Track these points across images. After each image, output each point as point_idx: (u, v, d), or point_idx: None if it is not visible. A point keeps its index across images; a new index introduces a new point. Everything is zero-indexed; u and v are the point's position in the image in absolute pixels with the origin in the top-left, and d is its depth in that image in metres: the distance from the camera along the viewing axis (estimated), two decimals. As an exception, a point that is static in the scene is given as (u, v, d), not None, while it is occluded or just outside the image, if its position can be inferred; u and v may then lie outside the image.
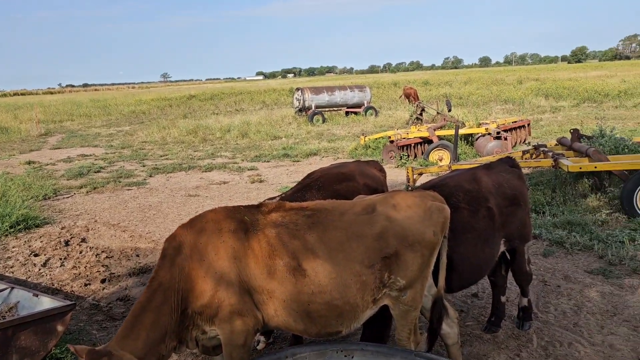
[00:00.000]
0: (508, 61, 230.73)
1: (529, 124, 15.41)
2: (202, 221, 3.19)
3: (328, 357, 3.13)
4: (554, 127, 18.32)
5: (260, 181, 12.34)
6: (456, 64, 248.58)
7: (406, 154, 13.80)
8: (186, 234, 3.16)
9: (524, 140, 15.07)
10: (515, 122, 14.98)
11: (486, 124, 14.45)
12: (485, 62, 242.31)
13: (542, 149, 9.35)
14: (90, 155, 17.98)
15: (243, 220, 3.15)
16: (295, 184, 4.89)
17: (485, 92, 34.66)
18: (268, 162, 15.22)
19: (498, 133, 13.17)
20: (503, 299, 4.76)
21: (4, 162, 17.15)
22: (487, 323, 4.80)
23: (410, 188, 8.60)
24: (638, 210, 7.45)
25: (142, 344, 2.98)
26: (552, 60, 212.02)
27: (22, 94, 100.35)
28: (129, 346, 2.95)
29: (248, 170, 13.96)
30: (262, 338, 4.73)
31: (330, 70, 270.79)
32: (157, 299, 3.05)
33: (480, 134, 13.85)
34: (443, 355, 3.88)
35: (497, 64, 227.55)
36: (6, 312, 4.89)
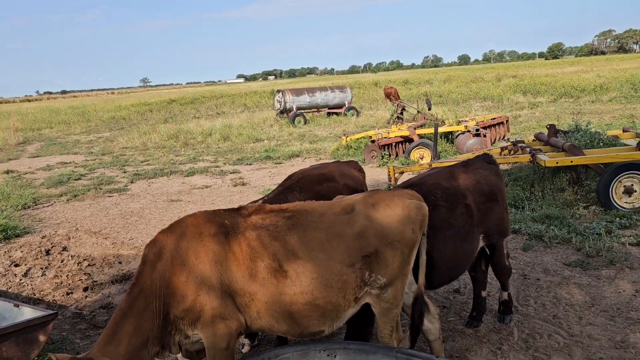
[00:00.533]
0: (487, 59, 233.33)
1: (507, 121, 15.62)
2: (182, 226, 3.20)
3: (311, 357, 3.16)
4: (532, 123, 18.60)
5: (243, 184, 12.32)
6: (436, 62, 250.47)
7: (387, 153, 13.90)
8: (166, 239, 3.17)
9: (503, 137, 15.26)
10: (494, 119, 15.16)
11: (466, 121, 14.62)
12: (464, 60, 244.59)
13: (520, 144, 9.49)
14: (70, 163, 17.78)
15: (223, 224, 3.16)
16: (276, 186, 4.91)
17: (464, 90, 35.00)
18: (250, 164, 15.21)
19: (477, 130, 13.32)
20: (484, 293, 4.84)
21: (-18, 172, 16.88)
22: (469, 318, 4.87)
23: (391, 187, 8.67)
24: (614, 203, 7.62)
25: (124, 351, 2.98)
26: (530, 57, 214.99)
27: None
28: (110, 353, 2.95)
29: (230, 173, 13.94)
30: (246, 341, 4.75)
31: (311, 71, 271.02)
32: (138, 304, 3.06)
33: (460, 132, 14.00)
34: (425, 351, 3.93)
35: (476, 61, 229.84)
36: (-13, 324, 4.85)
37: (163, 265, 3.09)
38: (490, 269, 4.78)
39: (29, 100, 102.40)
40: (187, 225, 3.19)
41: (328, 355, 3.13)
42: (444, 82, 48.16)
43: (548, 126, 9.80)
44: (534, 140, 10.21)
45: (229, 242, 3.10)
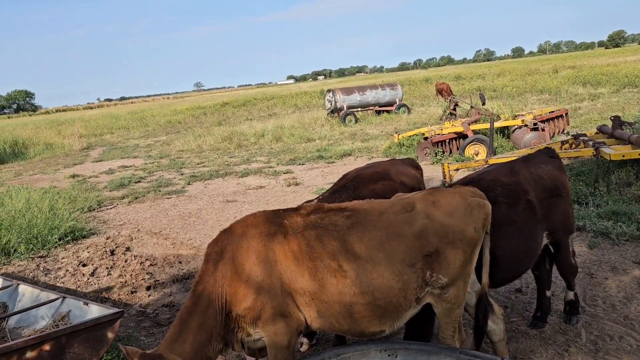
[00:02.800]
0: (542, 50, 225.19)
1: (566, 114, 15.03)
2: (243, 226, 3.25)
3: (372, 357, 3.14)
4: (594, 115, 17.79)
5: (296, 184, 12.42)
6: (488, 56, 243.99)
7: (441, 150, 13.66)
8: (228, 239, 3.22)
9: (563, 130, 14.70)
10: (552, 112, 14.63)
11: (522, 115, 14.15)
12: (518, 52, 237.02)
13: (581, 138, 9.11)
14: (131, 166, 18.46)
15: (283, 224, 3.18)
16: (331, 186, 4.91)
17: (519, 83, 33.92)
18: (303, 164, 15.31)
19: (535, 124, 12.88)
20: (548, 293, 4.66)
21: (50, 176, 17.80)
22: (533, 318, 4.71)
23: (446, 184, 8.51)
24: (687, 197, 7.18)
25: (189, 347, 3.06)
26: (589, 46, 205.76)
27: (64, 110, 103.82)
28: (177, 349, 3.04)
29: (283, 173, 14.08)
30: (305, 340, 4.77)
31: (360, 70, 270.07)
32: (202, 302, 3.13)
33: (516, 126, 13.58)
34: (488, 352, 3.83)
35: (531, 53, 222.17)
36: (59, 321, 5.09)
37: (225, 264, 3.15)
38: (554, 268, 4.61)
39: (91, 108, 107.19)
40: (247, 225, 3.23)
41: (389, 355, 3.10)
42: (497, 76, 46.84)
43: (612, 118, 9.35)
44: (596, 133, 9.77)
45: (289, 242, 3.12)
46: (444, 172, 9.43)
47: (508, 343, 4.18)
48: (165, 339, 3.14)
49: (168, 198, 12.32)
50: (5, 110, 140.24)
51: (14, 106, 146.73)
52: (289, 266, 3.08)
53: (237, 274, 3.11)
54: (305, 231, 3.15)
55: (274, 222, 3.20)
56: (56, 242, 8.70)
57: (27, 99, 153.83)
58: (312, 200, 4.45)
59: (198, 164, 17.52)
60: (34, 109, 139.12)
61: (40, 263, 7.91)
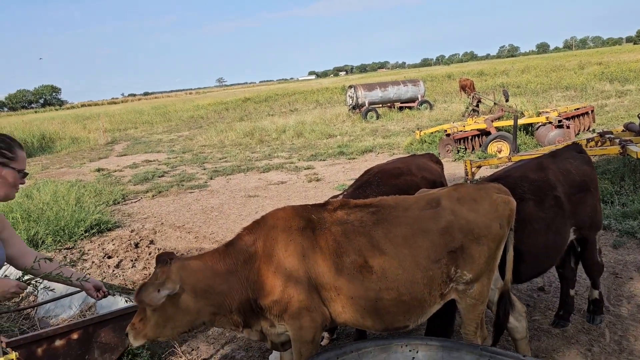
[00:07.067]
0: (568, 46, 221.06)
1: (592, 111, 14.75)
2: (273, 218, 3.25)
3: (393, 352, 3.15)
4: (621, 113, 17.45)
5: (317, 180, 12.46)
6: (512, 52, 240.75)
7: (463, 147, 13.55)
8: (259, 230, 3.22)
9: (588, 128, 14.43)
10: (577, 109, 14.36)
11: (547, 112, 13.94)
12: (543, 48, 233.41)
13: (608, 136, 8.94)
14: (154, 161, 18.72)
15: (311, 219, 3.19)
16: (353, 182, 4.93)
17: (544, 80, 33.40)
18: (324, 160, 15.34)
19: (560, 121, 12.69)
20: (572, 292, 4.61)
21: (76, 170, 18.15)
22: (556, 317, 4.67)
23: (469, 181, 8.45)
24: None
25: (203, 277, 3.07)
26: (616, 42, 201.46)
27: (89, 105, 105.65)
28: (194, 268, 3.09)
29: (305, 169, 14.13)
30: (325, 334, 4.81)
31: (382, 66, 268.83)
32: (231, 261, 3.14)
33: (540, 123, 13.40)
34: (509, 350, 3.81)
35: (557, 49, 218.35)
36: (86, 311, 5.22)
37: (254, 254, 3.15)
38: (579, 267, 4.56)
39: (115, 103, 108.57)
40: (277, 218, 3.24)
41: (410, 351, 3.10)
42: (521, 72, 46.20)
43: (640, 115, 9.17)
44: (623, 131, 9.57)
45: (316, 237, 3.12)
46: (466, 169, 9.35)
47: (530, 341, 4.16)
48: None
49: (191, 192, 12.47)
50: (33, 105, 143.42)
51: (41, 101, 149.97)
52: (317, 261, 3.09)
53: (265, 265, 3.12)
54: (333, 227, 3.15)
55: (303, 216, 3.21)
56: (82, 234, 8.89)
57: (54, 93, 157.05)
58: (337, 196, 4.48)
59: (220, 159, 17.68)
60: (60, 103, 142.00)
61: (67, 254, 8.10)
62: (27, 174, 2.72)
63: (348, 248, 3.09)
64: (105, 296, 3.20)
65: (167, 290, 2.94)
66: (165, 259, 3.08)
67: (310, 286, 3.08)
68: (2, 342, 3.05)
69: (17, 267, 2.80)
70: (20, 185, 2.77)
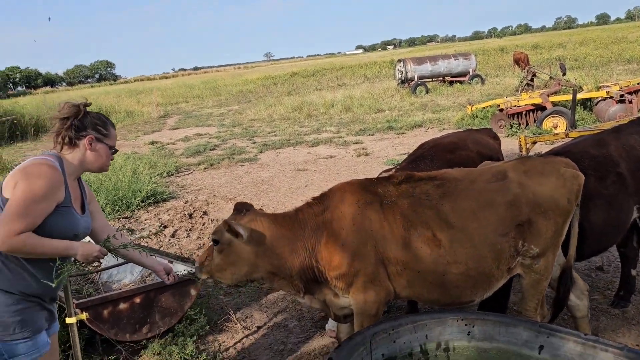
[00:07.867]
0: (630, 16, 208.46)
1: (658, 85, 13.97)
2: (340, 192, 3.24)
3: (448, 325, 3.14)
4: (690, 87, 16.43)
5: (366, 154, 12.42)
6: (569, 23, 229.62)
7: (517, 123, 13.15)
8: (327, 201, 3.23)
9: (653, 103, 13.70)
10: (641, 83, 13.65)
11: (607, 86, 13.31)
12: (603, 19, 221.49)
13: (676, 111, 8.48)
14: (205, 134, 19.08)
15: (377, 192, 3.17)
16: (404, 156, 4.89)
17: (604, 52, 31.88)
18: (372, 135, 15.24)
19: (622, 96, 12.10)
20: (634, 272, 4.46)
21: (131, 142, 18.75)
22: (615, 297, 4.54)
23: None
24: None
25: (269, 235, 3.11)
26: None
27: (142, 80, 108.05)
28: (263, 225, 3.15)
29: (353, 144, 14.09)
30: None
31: (431, 39, 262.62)
32: (299, 227, 3.18)
33: (600, 98, 12.82)
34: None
35: (618, 20, 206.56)
36: (146, 277, 5.46)
37: (322, 224, 3.16)
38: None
39: (166, 77, 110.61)
40: (345, 191, 3.22)
41: (466, 325, 3.09)
42: (579, 44, 44.14)
43: None
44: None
45: (384, 211, 3.10)
46: (520, 145, 9.09)
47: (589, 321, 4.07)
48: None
49: (241, 165, 12.68)
50: (89, 80, 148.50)
51: (97, 76, 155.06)
52: (384, 235, 3.07)
53: (334, 237, 3.11)
54: (399, 200, 3.13)
55: (370, 190, 3.18)
56: (139, 204, 9.22)
57: (109, 69, 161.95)
58: (390, 170, 4.45)
59: (269, 133, 17.85)
60: (115, 78, 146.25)
61: (125, 223, 8.43)
62: (117, 150, 2.87)
63: (415, 222, 3.06)
64: (175, 281, 3.36)
65: (231, 235, 3.04)
66: (241, 208, 3.19)
67: (377, 260, 3.07)
68: (73, 303, 3.23)
69: (95, 239, 2.96)
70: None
